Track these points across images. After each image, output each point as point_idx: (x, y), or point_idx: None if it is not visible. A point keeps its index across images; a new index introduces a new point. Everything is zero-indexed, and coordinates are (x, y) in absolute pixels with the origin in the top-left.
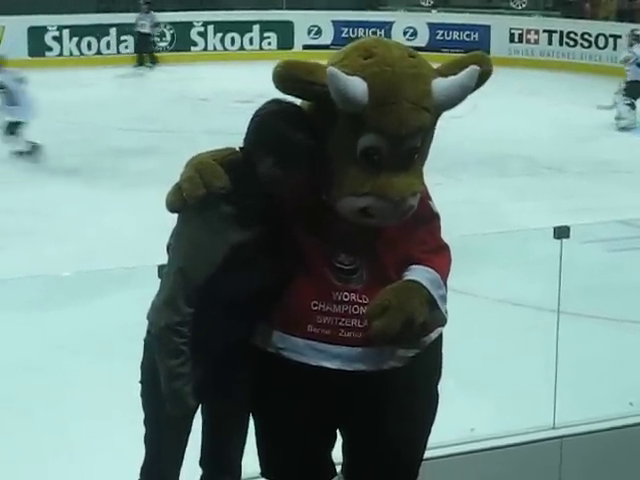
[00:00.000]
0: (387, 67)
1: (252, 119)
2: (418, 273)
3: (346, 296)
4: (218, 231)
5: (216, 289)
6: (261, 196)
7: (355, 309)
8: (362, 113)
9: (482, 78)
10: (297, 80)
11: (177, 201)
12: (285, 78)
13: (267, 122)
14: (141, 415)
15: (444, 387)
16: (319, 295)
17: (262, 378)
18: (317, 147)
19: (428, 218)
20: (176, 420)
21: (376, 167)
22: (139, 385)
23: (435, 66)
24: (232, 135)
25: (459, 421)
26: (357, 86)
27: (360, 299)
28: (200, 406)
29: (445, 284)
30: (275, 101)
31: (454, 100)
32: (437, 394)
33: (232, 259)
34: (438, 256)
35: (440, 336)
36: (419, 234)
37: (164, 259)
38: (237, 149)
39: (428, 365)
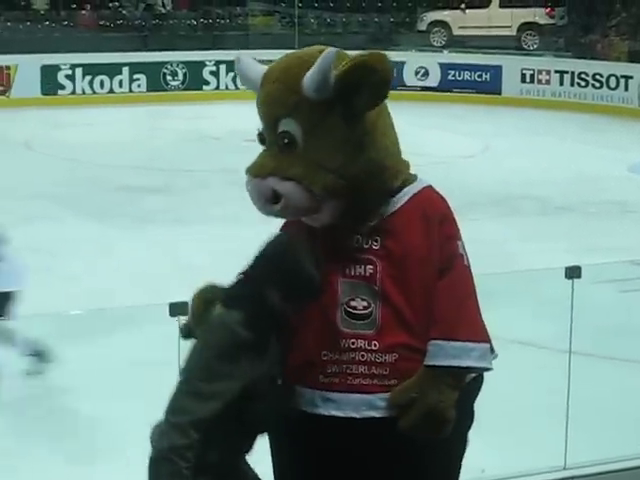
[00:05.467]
0: (284, 58)
1: (261, 251)
2: (442, 352)
3: (353, 343)
4: (233, 360)
5: (228, 414)
6: (270, 322)
7: (362, 356)
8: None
9: (378, 84)
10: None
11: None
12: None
13: (276, 256)
14: (147, 454)
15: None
16: (328, 345)
17: (277, 432)
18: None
19: (452, 257)
20: None
21: (262, 149)
22: (148, 426)
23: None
24: (243, 174)
25: (470, 461)
26: (257, 70)
27: (369, 345)
28: None
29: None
30: (282, 235)
31: (315, 83)
32: (465, 440)
33: (248, 390)
34: (461, 308)
35: (474, 380)
36: (443, 284)
37: (176, 297)
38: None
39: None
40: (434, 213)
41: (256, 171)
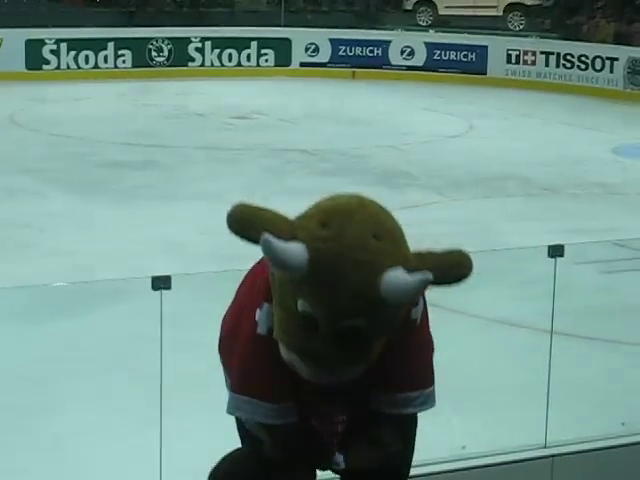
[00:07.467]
0: (336, 246)
1: None
2: (387, 400)
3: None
4: None
5: None
6: None
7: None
8: (300, 279)
9: (458, 279)
10: (248, 229)
11: None
12: (238, 224)
13: None
14: (131, 429)
15: (436, 404)
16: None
17: None
18: None
19: (425, 349)
20: None
21: (312, 330)
22: (131, 401)
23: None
24: (227, 151)
25: (450, 439)
26: (297, 255)
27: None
28: None
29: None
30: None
31: (398, 300)
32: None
33: None
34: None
35: None
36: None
37: (158, 271)
38: None
39: None
40: None
41: (329, 373)
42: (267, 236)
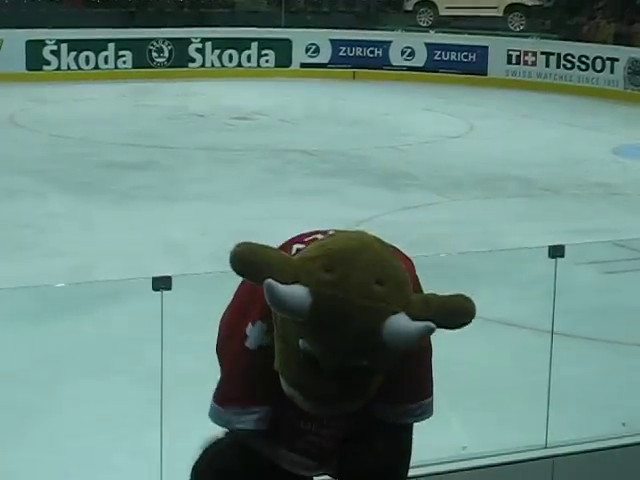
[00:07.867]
0: (340, 292)
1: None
2: (388, 411)
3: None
4: None
5: None
6: None
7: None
8: (303, 321)
9: (460, 325)
10: (250, 271)
11: None
12: (240, 265)
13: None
14: (131, 429)
15: (436, 405)
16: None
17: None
18: None
19: (426, 359)
20: None
21: (314, 369)
22: (131, 401)
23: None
24: (227, 151)
25: (451, 439)
26: (300, 299)
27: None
28: None
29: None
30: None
31: (399, 346)
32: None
33: None
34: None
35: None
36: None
37: (158, 272)
38: None
39: None
40: None
41: (330, 409)
42: (270, 282)
